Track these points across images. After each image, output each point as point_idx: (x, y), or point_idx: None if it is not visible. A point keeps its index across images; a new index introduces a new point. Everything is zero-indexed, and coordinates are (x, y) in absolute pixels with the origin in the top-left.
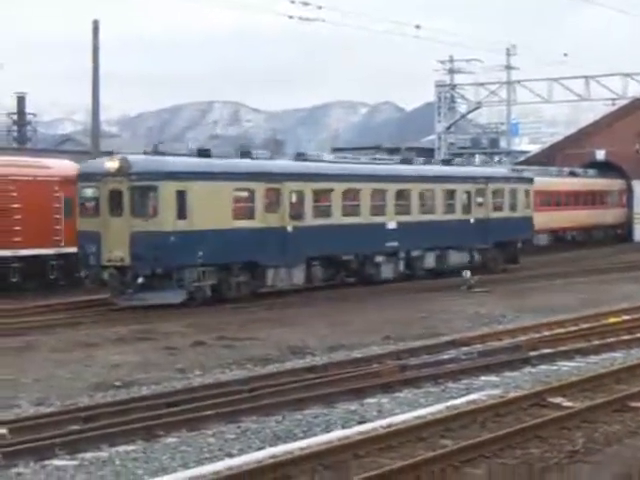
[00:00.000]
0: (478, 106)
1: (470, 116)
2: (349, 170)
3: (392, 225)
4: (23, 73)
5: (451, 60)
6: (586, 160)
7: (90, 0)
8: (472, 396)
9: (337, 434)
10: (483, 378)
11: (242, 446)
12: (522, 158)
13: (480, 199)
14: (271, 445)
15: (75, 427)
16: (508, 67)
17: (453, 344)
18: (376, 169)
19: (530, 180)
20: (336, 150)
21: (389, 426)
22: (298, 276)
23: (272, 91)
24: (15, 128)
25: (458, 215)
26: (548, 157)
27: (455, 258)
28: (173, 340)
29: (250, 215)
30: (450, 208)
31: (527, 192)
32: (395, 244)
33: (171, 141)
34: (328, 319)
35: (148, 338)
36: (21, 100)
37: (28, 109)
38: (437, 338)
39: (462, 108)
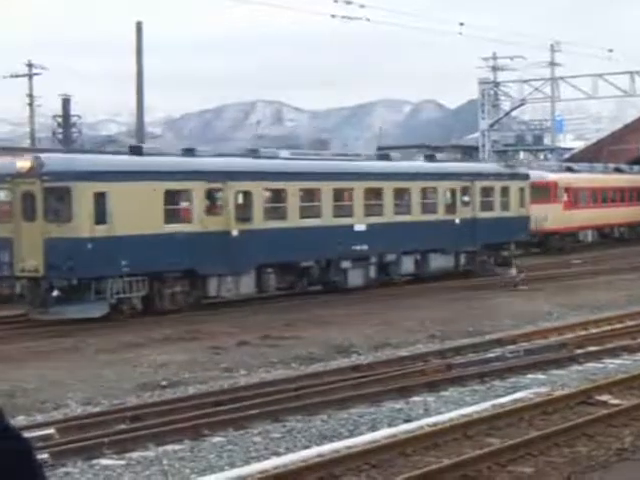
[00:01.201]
0: (522, 103)
1: (514, 113)
2: (307, 168)
3: (360, 227)
4: (68, 75)
5: (494, 57)
6: (632, 156)
7: (134, 1)
8: (518, 394)
9: (383, 433)
10: (529, 376)
11: (288, 445)
12: (567, 155)
13: (466, 198)
14: (317, 444)
15: (122, 427)
16: (552, 63)
17: (499, 342)
18: (339, 166)
19: (525, 176)
20: (381, 149)
21: (435, 425)
22: (247, 285)
23: (314, 90)
24: (60, 130)
25: (440, 215)
26: (594, 154)
27: (437, 262)
28: (218, 340)
29: (186, 218)
30: (431, 208)
31: (522, 190)
32: (364, 248)
33: (215, 142)
34: (373, 317)
35: (194, 338)
36: (66, 102)
37: (73, 111)
38: (483, 336)
39: (506, 105)
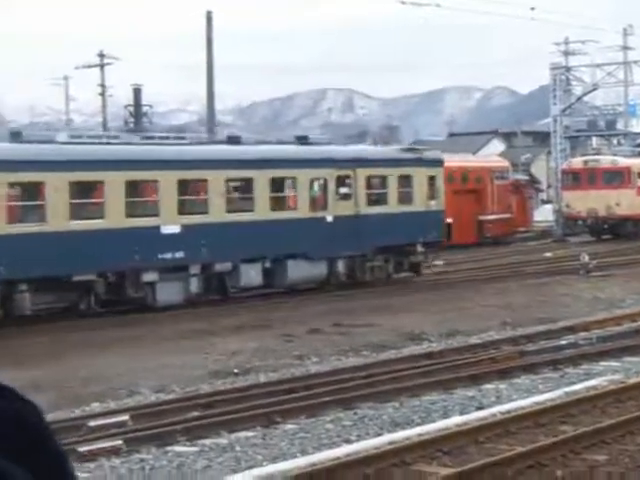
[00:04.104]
0: (594, 88)
1: (586, 98)
2: (82, 155)
3: (172, 229)
4: (139, 65)
5: (566, 42)
6: None
7: None
8: (592, 382)
9: (455, 420)
10: (603, 363)
11: (360, 432)
12: None
13: (345, 189)
14: (389, 431)
15: (195, 414)
16: (625, 47)
17: (571, 329)
18: (136, 152)
19: (436, 162)
20: (453, 135)
21: (507, 412)
22: None
23: (385, 78)
24: (132, 120)
25: (302, 212)
26: None
27: (299, 271)
28: (289, 327)
29: None
30: (287, 202)
31: (432, 179)
32: (179, 255)
33: (285, 129)
34: (445, 305)
35: (265, 326)
36: (137, 92)
37: (144, 101)
38: (555, 323)
39: (578, 90)
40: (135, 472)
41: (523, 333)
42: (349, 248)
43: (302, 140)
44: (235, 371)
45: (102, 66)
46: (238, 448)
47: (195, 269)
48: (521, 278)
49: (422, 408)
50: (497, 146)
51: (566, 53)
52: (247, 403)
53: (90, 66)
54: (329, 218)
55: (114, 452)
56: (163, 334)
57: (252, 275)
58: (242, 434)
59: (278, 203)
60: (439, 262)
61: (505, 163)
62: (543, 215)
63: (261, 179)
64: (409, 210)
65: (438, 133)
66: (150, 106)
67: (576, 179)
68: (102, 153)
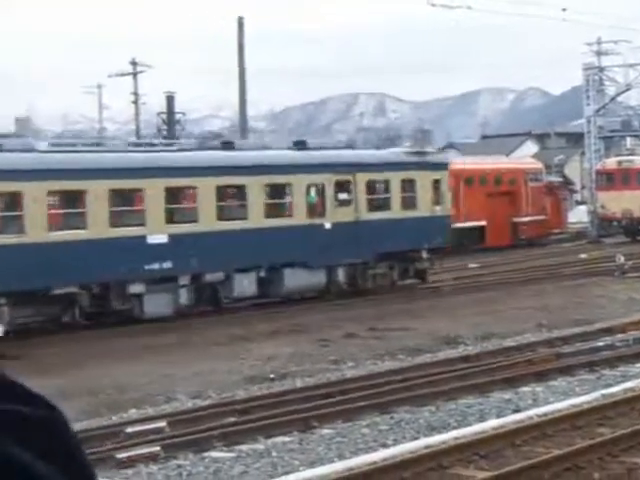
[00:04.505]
0: (628, 88)
1: (620, 98)
2: (62, 163)
3: (159, 239)
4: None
5: (599, 42)
6: None
7: None
8: (629, 384)
9: (492, 423)
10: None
11: (396, 436)
12: None
13: (345, 195)
14: (425, 435)
15: (232, 419)
16: None
17: (608, 331)
18: (118, 159)
19: (442, 166)
20: (486, 137)
21: (544, 415)
22: None
23: (417, 81)
24: (164, 127)
25: (299, 219)
26: None
27: (296, 279)
28: (325, 332)
29: None
30: (283, 209)
31: (437, 182)
32: (167, 265)
33: (318, 134)
34: (480, 307)
35: (300, 331)
36: (170, 99)
37: (177, 108)
38: (591, 325)
39: (611, 90)
40: (172, 478)
41: (559, 335)
42: (349, 255)
43: (300, 145)
44: (271, 376)
45: (135, 74)
46: (275, 453)
47: (184, 280)
48: (556, 280)
49: (458, 411)
50: (530, 148)
51: (599, 53)
52: (283, 408)
53: (123, 74)
54: (327, 225)
55: (152, 458)
56: (200, 340)
57: (246, 285)
58: (279, 439)
59: (273, 210)
60: (474, 265)
61: (539, 165)
62: (577, 216)
63: (255, 185)
64: (413, 215)
65: (471, 135)
66: (183, 113)
67: (610, 180)
68: (84, 161)
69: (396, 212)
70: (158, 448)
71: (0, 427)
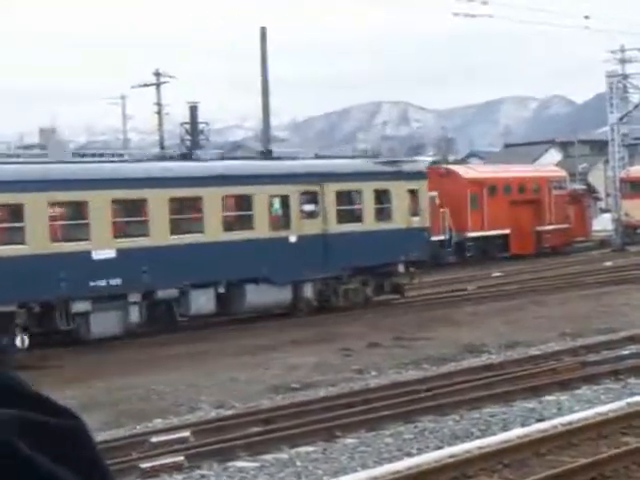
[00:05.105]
0: None
1: None
2: (2, 175)
3: (105, 254)
4: (195, 82)
5: (622, 49)
6: None
7: (256, 7)
8: None
9: (516, 432)
10: None
11: (420, 446)
12: None
13: (311, 207)
14: (449, 444)
15: (256, 429)
16: None
17: (633, 339)
18: (59, 171)
19: (419, 175)
20: (509, 146)
21: (569, 424)
22: None
23: (440, 89)
24: (188, 137)
25: (260, 232)
26: None
27: (260, 296)
28: (349, 342)
29: None
30: (242, 222)
31: (413, 193)
32: (115, 282)
33: (341, 143)
34: (503, 316)
35: (324, 340)
36: (193, 109)
37: (200, 118)
38: (616, 333)
39: (635, 98)
40: None
41: (583, 343)
42: (317, 270)
43: (266, 155)
44: (295, 386)
45: (158, 85)
46: (299, 463)
47: (135, 297)
48: (580, 288)
49: (482, 421)
50: (554, 156)
51: (622, 61)
52: (307, 418)
53: (146, 85)
54: (292, 238)
55: (176, 468)
56: (223, 350)
57: (203, 302)
58: (303, 449)
59: (232, 223)
60: (497, 273)
61: (562, 173)
62: (602, 224)
63: (212, 197)
64: (387, 227)
65: (494, 144)
66: (206, 123)
67: (635, 187)
68: (21, 173)
69: (369, 224)
70: (182, 458)
71: (25, 435)
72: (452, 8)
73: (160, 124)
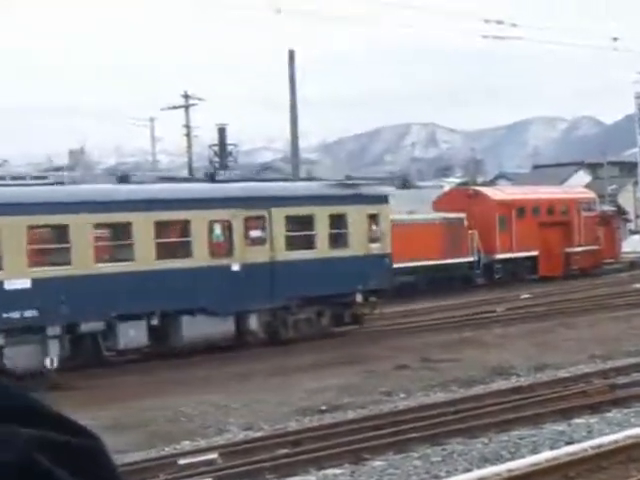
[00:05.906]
0: None
1: None
2: None
3: (19, 284)
4: (223, 102)
5: None
6: None
7: (283, 26)
8: None
9: (545, 455)
10: None
11: (449, 468)
12: None
13: (257, 232)
14: (478, 467)
15: (283, 451)
16: None
17: None
18: None
19: (379, 198)
20: (537, 167)
21: (599, 447)
22: None
23: (468, 110)
24: (217, 159)
25: (198, 260)
26: None
27: (199, 328)
28: (376, 364)
29: None
30: (177, 250)
31: (373, 217)
32: (31, 314)
33: (370, 165)
34: (531, 338)
35: (351, 362)
36: (222, 131)
37: (229, 139)
38: None
39: None
40: None
41: (613, 366)
42: (262, 300)
43: (210, 178)
44: (322, 408)
45: (187, 107)
46: None
47: (54, 330)
48: (610, 310)
49: (511, 443)
50: (583, 177)
51: None
52: (335, 440)
53: (175, 107)
54: (235, 266)
55: None
56: (251, 372)
57: (133, 335)
58: (330, 471)
59: (166, 250)
60: (526, 295)
61: (591, 194)
62: (632, 246)
63: (143, 222)
64: (343, 254)
65: (523, 165)
66: (235, 145)
67: None
68: None
69: (322, 251)
70: (210, 479)
71: (44, 452)
72: (482, 30)
73: (189, 146)
